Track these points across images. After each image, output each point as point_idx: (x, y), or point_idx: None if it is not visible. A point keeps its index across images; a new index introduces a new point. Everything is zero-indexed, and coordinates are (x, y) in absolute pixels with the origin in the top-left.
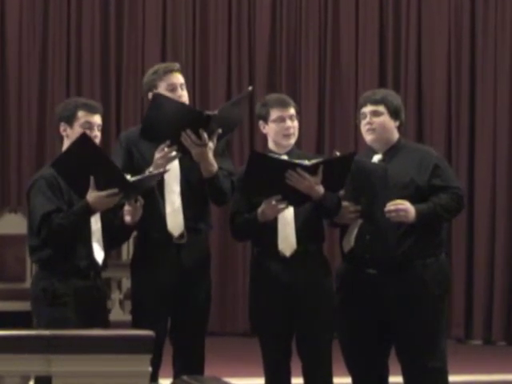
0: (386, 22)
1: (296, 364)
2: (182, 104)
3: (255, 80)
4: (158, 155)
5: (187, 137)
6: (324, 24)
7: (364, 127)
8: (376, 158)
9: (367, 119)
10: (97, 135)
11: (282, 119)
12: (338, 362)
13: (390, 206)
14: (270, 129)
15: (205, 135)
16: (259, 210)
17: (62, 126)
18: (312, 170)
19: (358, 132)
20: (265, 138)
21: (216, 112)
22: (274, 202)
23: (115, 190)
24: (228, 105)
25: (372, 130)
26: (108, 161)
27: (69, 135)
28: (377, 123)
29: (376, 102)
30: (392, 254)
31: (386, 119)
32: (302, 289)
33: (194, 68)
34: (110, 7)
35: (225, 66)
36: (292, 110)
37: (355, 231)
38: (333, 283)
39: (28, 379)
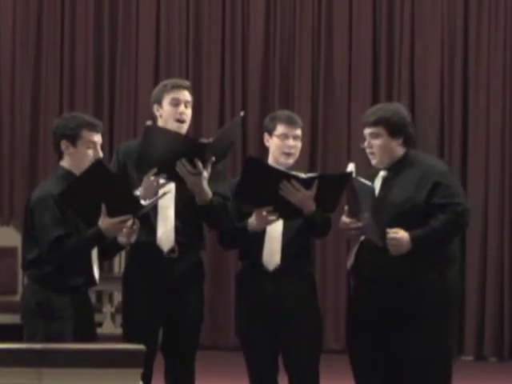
0: (379, 37)
1: (284, 379)
2: (176, 134)
3: (248, 94)
4: (144, 182)
5: (182, 166)
6: (317, 39)
7: (366, 150)
8: (381, 174)
9: (367, 142)
10: (101, 155)
11: (286, 136)
12: (329, 376)
13: (388, 234)
14: (272, 143)
15: (200, 164)
16: (249, 219)
17: (64, 144)
18: (306, 184)
19: (350, 149)
20: (258, 152)
21: (211, 140)
22: (264, 213)
23: (128, 216)
24: (221, 132)
25: (372, 155)
26: (124, 185)
27: (72, 154)
28: (376, 146)
29: (373, 124)
30: (387, 271)
31: (384, 141)
32: (286, 304)
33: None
34: (104, 19)
35: (218, 82)
36: (298, 131)
37: (356, 247)
38: (317, 299)
39: None
